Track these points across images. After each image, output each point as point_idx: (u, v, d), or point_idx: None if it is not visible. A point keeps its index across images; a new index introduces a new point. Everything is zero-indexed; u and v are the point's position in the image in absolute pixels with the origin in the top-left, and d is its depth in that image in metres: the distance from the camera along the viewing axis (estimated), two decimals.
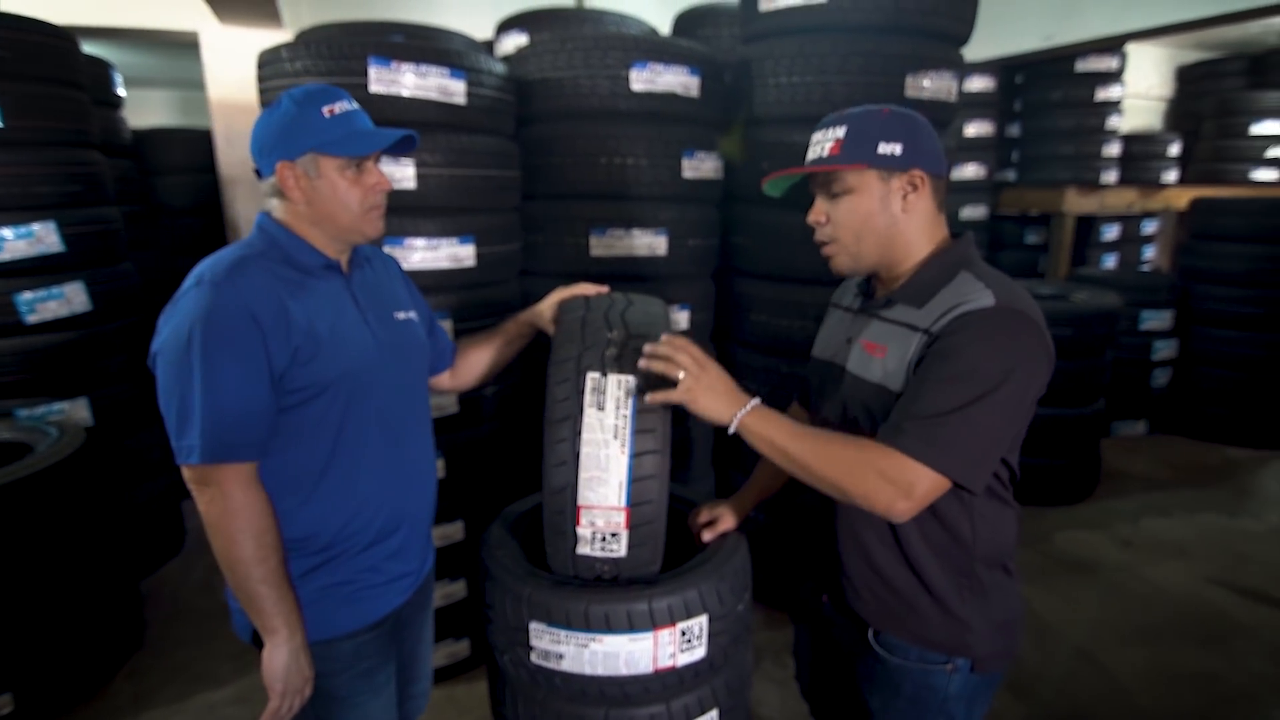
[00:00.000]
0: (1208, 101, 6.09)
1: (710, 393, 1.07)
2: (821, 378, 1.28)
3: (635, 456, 1.18)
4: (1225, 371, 4.59)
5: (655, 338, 1.25)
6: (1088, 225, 5.98)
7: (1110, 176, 5.50)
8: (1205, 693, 2.34)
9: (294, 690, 1.14)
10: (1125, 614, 2.80)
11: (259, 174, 1.20)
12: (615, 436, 1.17)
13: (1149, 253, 6.53)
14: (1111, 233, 6.15)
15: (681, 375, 1.07)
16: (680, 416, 1.26)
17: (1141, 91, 6.53)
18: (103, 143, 3.02)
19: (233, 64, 3.84)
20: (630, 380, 1.19)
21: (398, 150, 1.25)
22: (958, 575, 1.13)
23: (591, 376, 1.19)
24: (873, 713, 1.23)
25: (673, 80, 2.33)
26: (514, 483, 2.39)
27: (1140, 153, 5.81)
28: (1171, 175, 5.95)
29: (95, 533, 2.32)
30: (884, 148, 1.08)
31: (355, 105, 1.18)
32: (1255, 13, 3.82)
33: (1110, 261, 6.21)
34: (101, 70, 3.46)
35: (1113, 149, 5.49)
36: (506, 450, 2.42)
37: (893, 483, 0.98)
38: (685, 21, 3.40)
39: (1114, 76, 5.32)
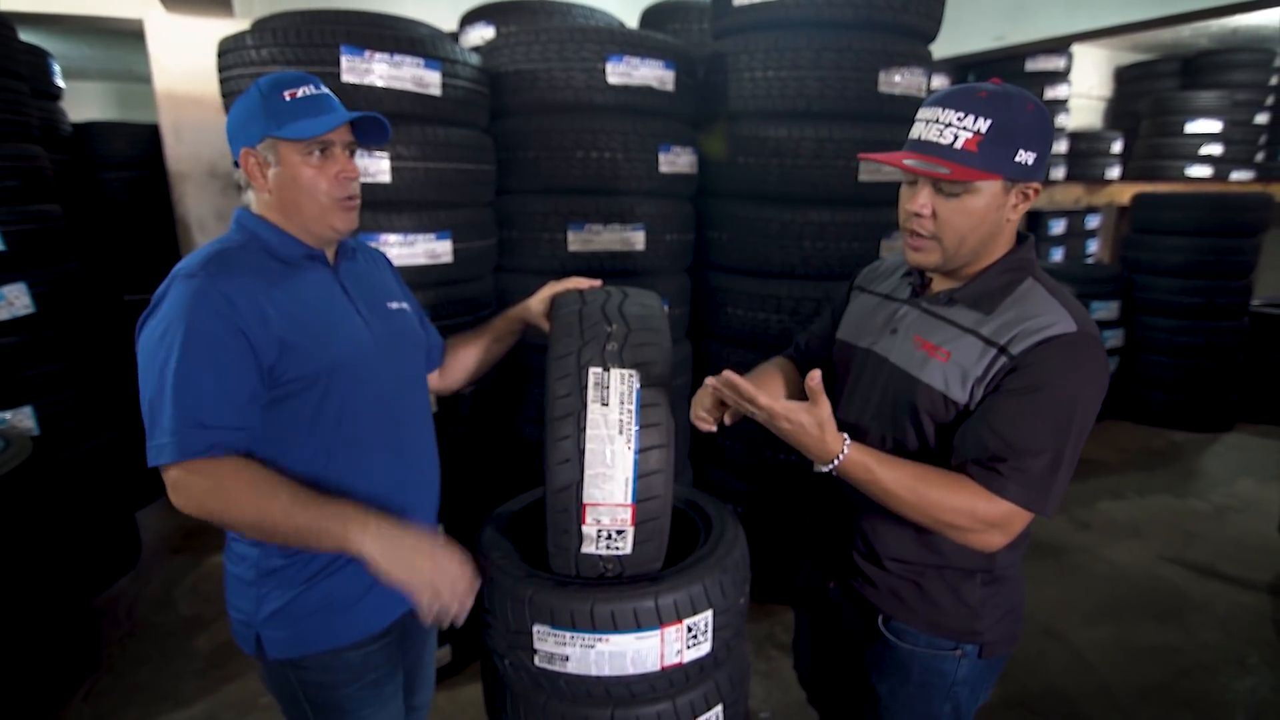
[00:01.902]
0: (1144, 101, 6.37)
1: (800, 447, 1.04)
2: (853, 363, 1.24)
3: (640, 452, 1.16)
4: (1168, 359, 4.81)
5: (657, 331, 1.24)
6: (1036, 219, 6.20)
7: (1058, 173, 5.71)
8: (1166, 665, 2.45)
9: (425, 575, 0.98)
10: (1087, 593, 2.90)
11: (236, 165, 1.15)
12: (620, 432, 1.15)
13: (1092, 246, 6.80)
14: (1059, 227, 6.39)
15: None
16: None
17: (1084, 91, 6.79)
18: (41, 136, 2.85)
19: (181, 54, 3.66)
20: (633, 374, 1.17)
21: (372, 140, 1.19)
22: (979, 567, 1.14)
23: (594, 371, 1.17)
24: (880, 698, 1.24)
25: (648, 74, 2.32)
26: (490, 483, 2.35)
27: (1086, 150, 6.04)
28: (1114, 171, 6.21)
29: (45, 548, 2.18)
30: (1022, 155, 0.99)
31: (324, 90, 1.13)
32: (1191, 16, 4.01)
33: (1058, 255, 6.45)
34: (39, 59, 3.27)
35: (1060, 146, 5.70)
36: (483, 450, 2.38)
37: (996, 527, 1.01)
38: (653, 16, 3.39)
39: (1061, 76, 5.52)
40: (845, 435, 1.03)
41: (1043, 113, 1.02)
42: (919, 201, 1.05)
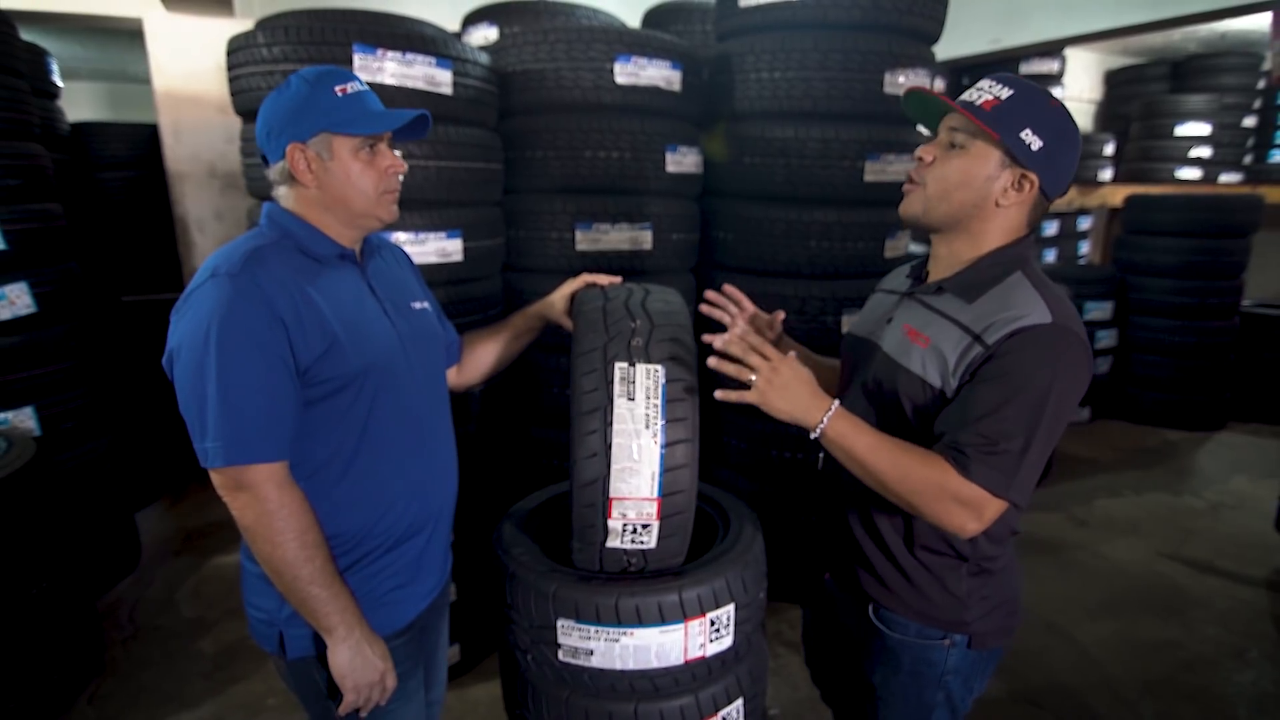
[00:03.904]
0: (1134, 104, 6.44)
1: (785, 394, 1.04)
2: (854, 353, 1.27)
3: (667, 446, 1.17)
4: (1161, 359, 4.87)
5: (680, 327, 1.25)
6: None
7: None
8: (1169, 660, 2.48)
9: (366, 685, 1.11)
10: (1088, 589, 2.93)
11: (265, 159, 1.14)
12: (646, 426, 1.16)
13: (1084, 248, 6.86)
14: (1051, 229, 6.45)
15: (753, 376, 1.05)
16: None
17: (1075, 94, 6.86)
18: (40, 135, 2.83)
19: (180, 54, 3.64)
20: (658, 369, 1.18)
21: (407, 136, 1.20)
22: (960, 556, 1.15)
23: (619, 366, 1.18)
24: (874, 688, 1.25)
25: (655, 74, 2.33)
26: (500, 481, 2.35)
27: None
28: (1106, 174, 6.27)
29: (48, 550, 2.16)
30: (1027, 135, 1.03)
31: (366, 86, 1.14)
32: (1180, 20, 4.06)
33: (1050, 256, 6.50)
34: (38, 58, 3.24)
35: None
36: (493, 449, 2.38)
37: (966, 506, 1.01)
38: (656, 17, 3.41)
39: (1055, 79, 5.58)
40: (837, 401, 1.06)
41: (1066, 117, 1.06)
42: (925, 149, 1.12)
